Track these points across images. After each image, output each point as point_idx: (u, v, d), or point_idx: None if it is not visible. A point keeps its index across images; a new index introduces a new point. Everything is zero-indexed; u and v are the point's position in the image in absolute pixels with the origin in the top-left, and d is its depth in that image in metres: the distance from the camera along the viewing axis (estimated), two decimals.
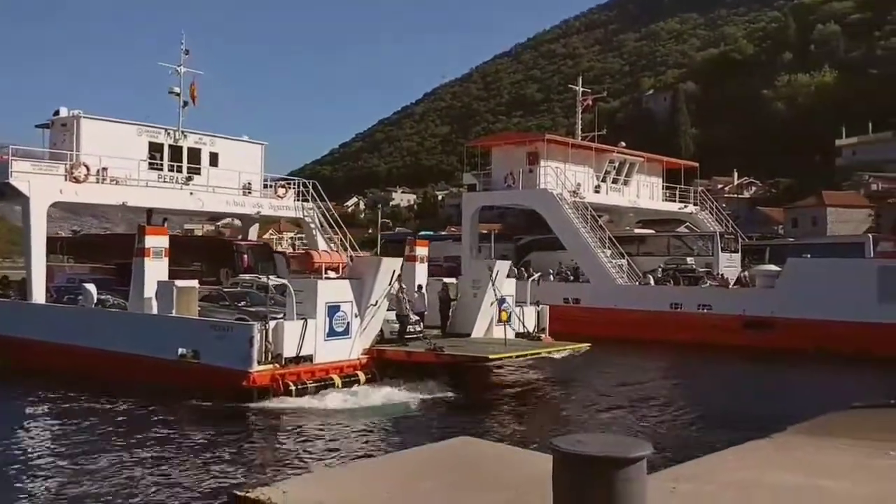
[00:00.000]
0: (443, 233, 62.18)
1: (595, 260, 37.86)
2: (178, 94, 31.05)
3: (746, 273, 37.24)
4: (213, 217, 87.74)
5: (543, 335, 26.57)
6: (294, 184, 35.39)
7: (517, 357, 22.55)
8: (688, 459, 9.90)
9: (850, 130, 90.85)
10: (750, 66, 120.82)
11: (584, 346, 24.47)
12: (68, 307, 26.21)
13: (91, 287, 25.52)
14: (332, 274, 22.90)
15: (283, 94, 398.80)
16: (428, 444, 9.10)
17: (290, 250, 58.99)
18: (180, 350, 20.90)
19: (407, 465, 7.62)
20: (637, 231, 46.87)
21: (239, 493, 6.52)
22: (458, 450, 8.46)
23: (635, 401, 21.43)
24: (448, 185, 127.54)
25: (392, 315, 23.14)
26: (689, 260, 39.86)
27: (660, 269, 38.61)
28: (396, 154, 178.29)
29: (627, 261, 38.23)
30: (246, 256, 33.25)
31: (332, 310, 21.28)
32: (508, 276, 27.51)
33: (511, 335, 24.93)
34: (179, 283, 22.48)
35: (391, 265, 22.36)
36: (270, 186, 35.09)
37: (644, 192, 45.40)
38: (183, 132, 31.69)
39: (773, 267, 35.74)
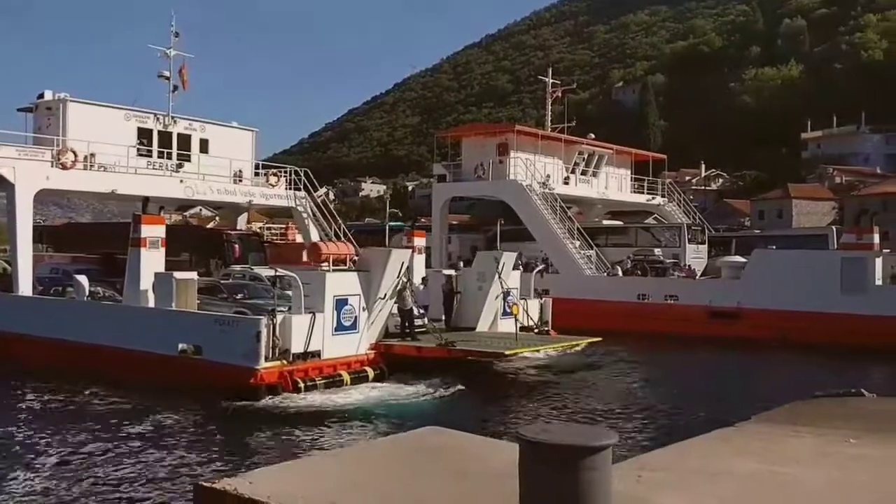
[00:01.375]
0: (413, 223, 62.00)
1: (564, 251, 38.04)
2: (167, 78, 29.97)
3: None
4: (182, 206, 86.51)
5: (547, 328, 26.20)
6: (287, 172, 34.27)
7: (533, 352, 22.03)
8: (654, 448, 10.01)
9: (815, 124, 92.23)
10: (718, 59, 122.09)
11: (596, 339, 24.15)
12: (59, 299, 25.18)
13: (83, 278, 24.44)
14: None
15: (251, 85, 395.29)
16: (396, 435, 9.09)
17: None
18: (181, 345, 20.01)
19: (375, 456, 7.60)
20: (605, 222, 47.18)
21: (205, 484, 6.44)
22: (427, 439, 8.45)
23: (605, 392, 21.59)
24: (418, 176, 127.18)
25: (393, 309, 22.41)
26: (657, 251, 40.23)
27: (628, 261, 38.92)
28: (366, 144, 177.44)
29: (596, 252, 38.46)
30: (237, 247, 32.38)
31: (340, 303, 20.54)
32: (514, 267, 26.86)
33: (513, 328, 24.42)
34: (178, 274, 21.64)
35: (400, 257, 21.77)
36: (260, 174, 34.12)
37: (613, 183, 45.67)
38: (173, 117, 30.67)
39: (738, 258, 36.22)
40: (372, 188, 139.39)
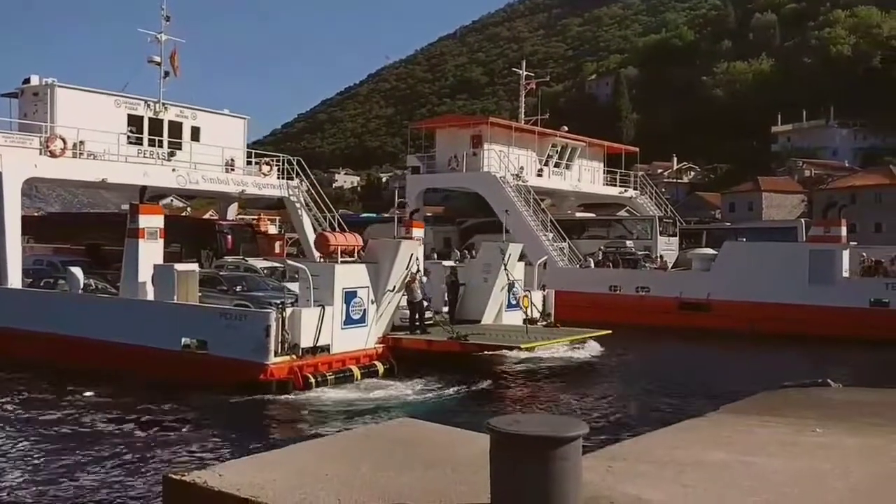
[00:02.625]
0: (386, 215, 61.89)
1: (537, 243, 38.15)
2: (158, 64, 28.99)
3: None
4: (157, 195, 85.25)
5: (550, 320, 25.86)
6: (279, 161, 33.31)
7: (547, 345, 21.59)
8: (625, 439, 10.09)
9: (785, 118, 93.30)
10: (690, 52, 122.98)
11: (605, 331, 23.88)
12: (55, 292, 24.04)
13: (77, 270, 23.28)
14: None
15: (223, 72, 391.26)
16: (368, 426, 9.08)
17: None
18: (184, 340, 19.31)
19: (346, 447, 7.59)
20: (578, 215, 47.39)
21: (174, 476, 6.39)
22: (398, 430, 8.46)
23: (580, 382, 21.67)
24: (392, 168, 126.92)
25: (402, 302, 21.78)
26: (629, 243, 40.50)
27: (600, 252, 39.14)
28: (340, 135, 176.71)
29: (569, 244, 38.64)
30: (230, 238, 31.68)
31: (349, 296, 19.88)
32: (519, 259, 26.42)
33: (518, 321, 24.32)
34: (179, 266, 20.96)
35: (410, 248, 21.14)
36: (251, 163, 33.24)
37: (585, 176, 45.87)
38: (164, 104, 29.71)
39: (709, 250, 36.56)
40: (345, 179, 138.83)
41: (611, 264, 38.10)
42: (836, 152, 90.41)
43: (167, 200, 79.52)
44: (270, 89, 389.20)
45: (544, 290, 27.36)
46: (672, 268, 37.47)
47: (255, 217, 44.14)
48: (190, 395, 17.59)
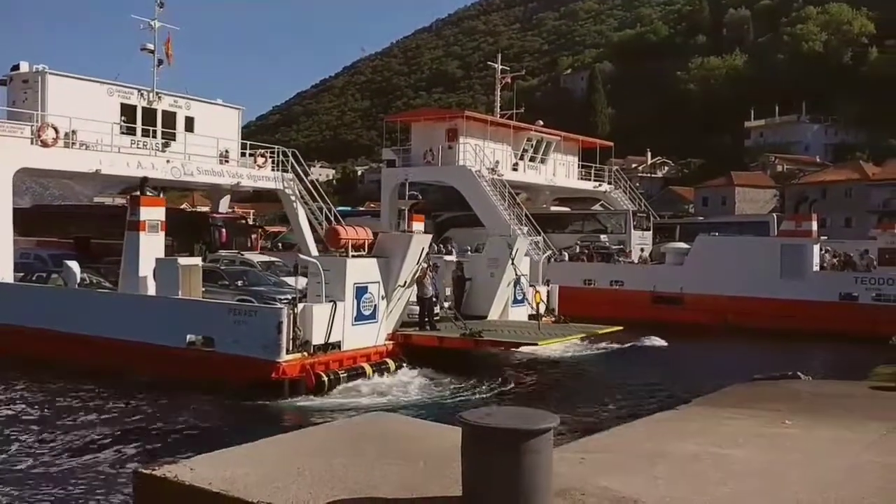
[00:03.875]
0: (361, 208, 61.75)
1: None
2: (151, 52, 28.23)
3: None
4: (125, 189, 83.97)
5: (553, 315, 25.47)
6: (274, 153, 32.61)
7: (563, 342, 21.23)
8: (597, 432, 10.16)
9: (758, 113, 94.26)
10: (665, 47, 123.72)
11: (617, 328, 23.58)
12: (52, 287, 23.12)
13: (74, 264, 22.45)
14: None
15: (195, 63, 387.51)
16: (341, 420, 9.07)
17: None
18: (189, 336, 18.66)
19: (319, 440, 7.57)
20: (553, 209, 47.54)
21: (144, 471, 6.33)
22: (371, 424, 8.45)
23: (552, 375, 21.76)
24: (368, 161, 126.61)
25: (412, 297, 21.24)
26: (603, 237, 40.71)
27: (577, 246, 39.31)
28: (315, 128, 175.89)
29: (543, 238, 38.76)
30: (224, 231, 30.97)
31: (360, 291, 19.23)
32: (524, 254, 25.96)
33: (524, 317, 24.03)
34: (182, 260, 20.26)
35: (421, 242, 20.53)
36: (246, 155, 32.56)
37: (560, 170, 45.99)
38: (157, 93, 28.95)
39: (682, 245, 36.84)
40: (321, 172, 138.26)
41: (585, 258, 38.29)
42: (807, 147, 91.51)
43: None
44: (244, 81, 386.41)
45: (548, 286, 27.00)
46: (645, 261, 37.73)
47: (230, 210, 43.81)
48: (195, 394, 16.95)
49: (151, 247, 20.86)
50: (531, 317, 24.42)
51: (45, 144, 24.93)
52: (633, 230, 40.96)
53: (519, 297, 25.16)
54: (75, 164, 26.39)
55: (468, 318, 22.39)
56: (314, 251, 30.33)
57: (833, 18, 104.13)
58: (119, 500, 11.12)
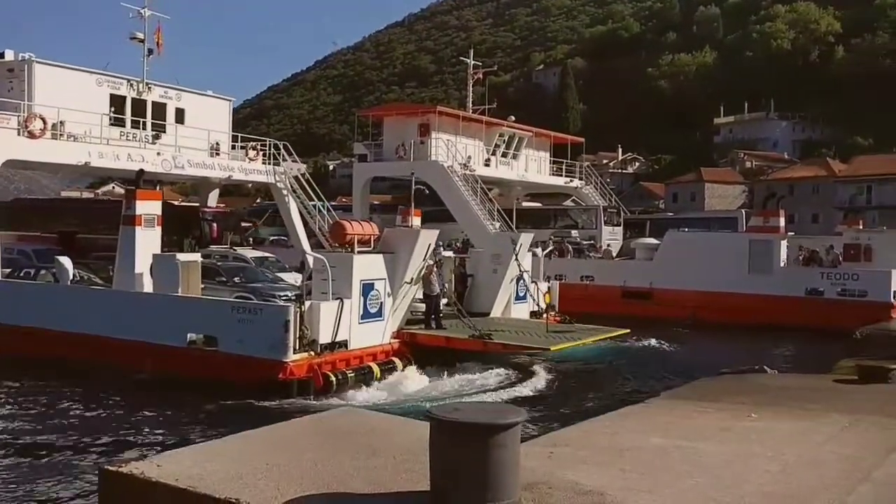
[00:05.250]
0: (333, 203, 61.50)
1: (484, 232, 38.29)
2: (141, 41, 27.31)
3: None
4: (93, 183, 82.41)
5: (554, 312, 24.81)
6: (266, 146, 31.77)
7: (576, 346, 20.58)
8: (566, 426, 10.24)
9: (727, 110, 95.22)
10: (636, 44, 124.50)
11: (624, 331, 22.96)
12: (45, 284, 22.25)
13: (66, 260, 21.56)
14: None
15: (166, 54, 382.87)
16: (310, 415, 9.05)
17: None
18: (190, 335, 18.03)
19: (289, 436, 7.55)
20: (525, 204, 47.69)
21: (110, 468, 6.29)
22: (340, 420, 8.45)
23: (520, 369, 21.78)
24: (339, 155, 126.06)
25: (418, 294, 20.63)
26: (574, 233, 40.93)
27: (551, 242, 39.49)
28: (286, 122, 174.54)
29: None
30: (216, 226, 30.16)
31: (367, 288, 18.64)
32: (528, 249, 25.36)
33: (526, 314, 23.65)
34: (182, 256, 19.68)
35: (428, 238, 20.02)
36: (234, 147, 31.66)
37: (532, 166, 46.09)
38: (147, 84, 27.96)
39: (652, 240, 37.14)
40: (292, 167, 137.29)
41: (557, 253, 38.47)
42: (776, 144, 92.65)
43: (108, 187, 77.77)
44: (215, 74, 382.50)
45: (548, 282, 26.73)
46: (616, 257, 38.00)
47: (196, 205, 43.34)
48: (197, 395, 16.38)
49: (148, 242, 20.10)
50: (533, 314, 24.08)
51: (32, 136, 23.93)
52: (603, 226, 41.24)
53: (521, 294, 24.69)
54: (64, 156, 25.36)
55: (471, 316, 21.79)
56: (306, 247, 29.93)
57: (801, 17, 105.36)
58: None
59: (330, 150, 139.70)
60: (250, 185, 46.69)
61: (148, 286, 19.80)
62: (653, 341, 26.59)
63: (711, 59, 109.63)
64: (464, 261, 24.89)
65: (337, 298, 17.95)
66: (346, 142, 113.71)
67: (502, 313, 23.87)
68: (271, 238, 41.68)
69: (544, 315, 23.39)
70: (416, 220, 25.12)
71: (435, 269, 20.57)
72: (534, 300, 24.49)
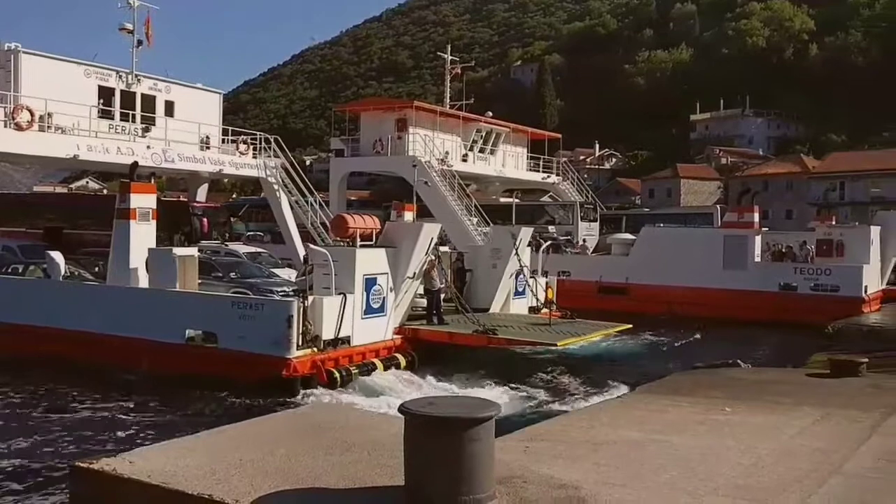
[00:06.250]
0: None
1: (461, 227, 38.31)
2: (130, 32, 26.79)
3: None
4: (67, 178, 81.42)
5: (554, 306, 24.39)
6: (257, 139, 31.29)
7: (581, 342, 20.32)
8: (542, 420, 10.28)
9: (703, 106, 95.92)
10: (613, 40, 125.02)
11: (626, 326, 22.80)
12: (31, 280, 21.64)
13: (57, 255, 21.01)
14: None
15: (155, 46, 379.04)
16: (284, 411, 9.02)
17: None
18: (188, 332, 17.66)
19: (263, 432, 7.51)
20: (502, 200, 47.75)
21: (81, 464, 6.22)
22: (315, 414, 8.43)
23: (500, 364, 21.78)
24: (316, 150, 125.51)
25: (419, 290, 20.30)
26: (551, 228, 41.05)
27: (541, 238, 39.54)
28: (263, 117, 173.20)
29: (492, 228, 38.89)
30: (206, 221, 29.78)
31: (370, 283, 18.32)
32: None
33: (525, 309, 23.46)
34: (179, 251, 19.22)
35: (430, 232, 19.65)
36: (224, 141, 31.13)
37: (510, 161, 46.18)
38: (136, 76, 27.40)
39: (628, 235, 37.33)
40: (268, 161, 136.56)
41: (534, 249, 38.54)
42: (751, 140, 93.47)
43: (83, 182, 76.94)
44: (188, 68, 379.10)
45: (546, 277, 26.50)
46: (592, 252, 38.15)
47: (176, 198, 42.98)
48: (196, 393, 16.01)
49: (142, 236, 19.61)
50: (531, 309, 23.90)
51: (19, 127, 23.27)
52: (580, 221, 41.40)
53: (520, 289, 24.44)
54: (51, 148, 24.66)
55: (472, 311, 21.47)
56: (298, 242, 29.69)
57: (775, 15, 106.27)
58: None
59: (307, 145, 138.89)
60: (226, 180, 46.22)
61: (143, 281, 19.35)
62: (657, 336, 26.74)
63: (688, 57, 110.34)
64: (462, 255, 24.64)
65: (340, 293, 17.62)
66: (324, 137, 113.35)
67: (502, 308, 23.68)
68: (248, 234, 41.45)
69: (545, 310, 23.16)
70: (409, 216, 24.88)
71: (437, 263, 20.27)
72: (534, 295, 24.29)
